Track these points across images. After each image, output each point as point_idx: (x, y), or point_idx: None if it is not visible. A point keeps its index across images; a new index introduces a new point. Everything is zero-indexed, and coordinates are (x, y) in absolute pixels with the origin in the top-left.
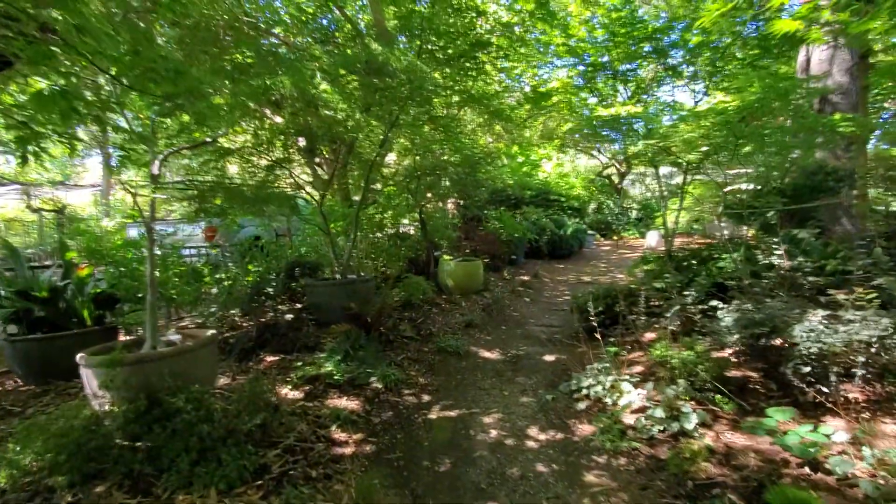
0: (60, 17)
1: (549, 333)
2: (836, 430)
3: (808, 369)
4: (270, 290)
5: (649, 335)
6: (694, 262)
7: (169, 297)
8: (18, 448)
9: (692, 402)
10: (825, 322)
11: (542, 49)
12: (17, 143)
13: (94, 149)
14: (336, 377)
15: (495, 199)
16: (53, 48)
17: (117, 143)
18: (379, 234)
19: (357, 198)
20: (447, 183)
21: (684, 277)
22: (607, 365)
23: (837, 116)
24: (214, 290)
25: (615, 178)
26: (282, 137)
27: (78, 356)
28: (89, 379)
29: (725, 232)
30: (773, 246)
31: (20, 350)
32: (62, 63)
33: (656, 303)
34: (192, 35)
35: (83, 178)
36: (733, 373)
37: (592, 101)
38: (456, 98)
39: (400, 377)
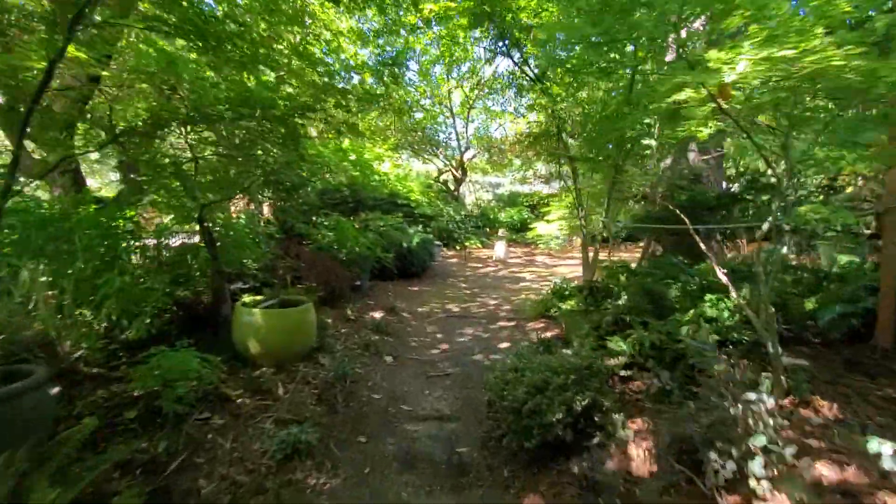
0: None
1: (447, 445)
2: None
3: None
4: None
5: (635, 449)
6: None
7: None
8: None
9: None
10: None
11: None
12: None
13: None
14: None
15: (328, 202)
16: None
17: None
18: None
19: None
20: (255, 170)
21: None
22: None
23: None
24: None
25: (451, 185)
26: None
27: None
28: None
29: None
30: None
31: None
32: None
33: (623, 374)
34: None
35: None
36: None
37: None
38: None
39: None
